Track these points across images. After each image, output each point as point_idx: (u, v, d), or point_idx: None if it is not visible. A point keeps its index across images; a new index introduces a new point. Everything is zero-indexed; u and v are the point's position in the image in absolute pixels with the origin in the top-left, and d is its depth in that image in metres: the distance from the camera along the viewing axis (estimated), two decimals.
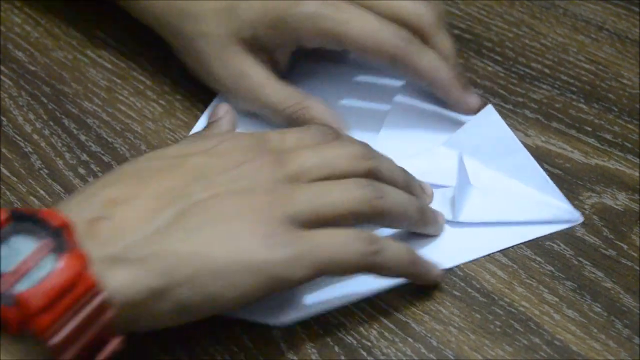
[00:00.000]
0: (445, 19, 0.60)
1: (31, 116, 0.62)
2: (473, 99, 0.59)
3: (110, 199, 0.44)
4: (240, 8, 0.57)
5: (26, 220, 0.41)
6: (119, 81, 0.65)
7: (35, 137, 0.60)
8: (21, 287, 0.39)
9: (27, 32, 0.69)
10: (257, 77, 0.58)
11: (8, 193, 0.57)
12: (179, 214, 0.43)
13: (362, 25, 0.56)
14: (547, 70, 0.65)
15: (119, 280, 0.41)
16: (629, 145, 0.60)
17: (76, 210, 0.43)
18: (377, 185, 0.48)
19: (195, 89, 0.64)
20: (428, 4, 0.59)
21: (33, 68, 0.66)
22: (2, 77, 0.65)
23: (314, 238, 0.45)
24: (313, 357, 0.48)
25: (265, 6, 0.57)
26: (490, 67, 0.66)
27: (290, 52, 0.60)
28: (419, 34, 0.58)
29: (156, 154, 0.48)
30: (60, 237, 0.41)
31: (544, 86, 0.64)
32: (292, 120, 0.57)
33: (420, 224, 0.51)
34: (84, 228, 0.42)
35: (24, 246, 0.41)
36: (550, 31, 0.69)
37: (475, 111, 0.59)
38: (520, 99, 0.63)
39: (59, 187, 0.57)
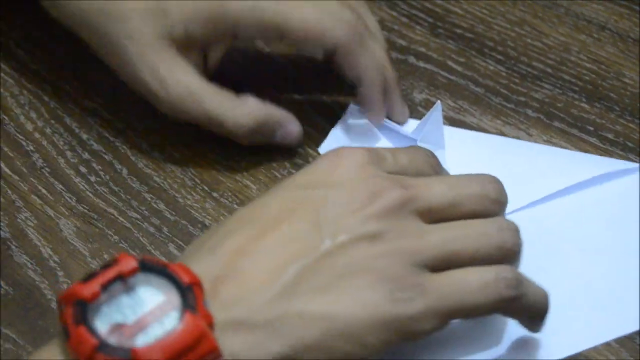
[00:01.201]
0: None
1: (33, 115, 0.62)
2: (403, 114, 0.59)
3: (233, 251, 0.42)
4: (170, 7, 0.54)
5: (155, 272, 0.40)
6: (121, 79, 0.65)
7: (37, 135, 0.60)
8: (140, 341, 0.38)
9: (29, 30, 0.69)
10: (195, 86, 0.55)
11: (10, 191, 0.57)
12: (304, 270, 0.41)
13: (302, 14, 0.54)
14: (549, 70, 0.65)
15: (242, 346, 0.40)
16: (631, 145, 0.59)
17: (201, 266, 0.41)
18: (520, 278, 0.43)
19: None
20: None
21: (34, 66, 0.66)
22: (4, 75, 0.65)
23: (445, 283, 0.42)
24: None
25: (198, 3, 0.54)
26: (492, 66, 0.65)
27: (224, 50, 0.57)
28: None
29: (282, 185, 0.46)
30: (188, 294, 0.39)
31: (546, 85, 0.64)
32: (240, 132, 0.56)
33: (534, 325, 0.46)
34: (208, 287, 0.40)
35: (149, 298, 0.39)
36: (552, 30, 0.69)
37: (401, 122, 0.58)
38: (522, 98, 0.63)
39: (60, 185, 0.57)
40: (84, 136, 0.60)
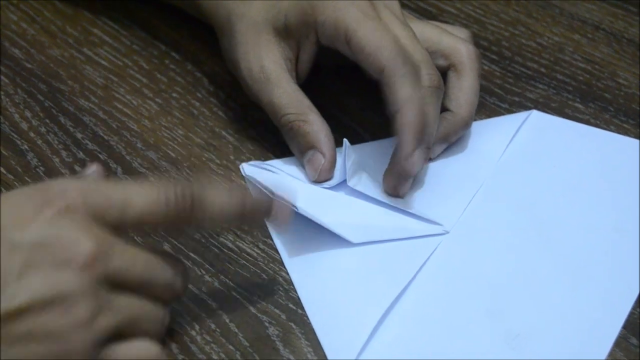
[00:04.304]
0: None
1: (27, 114, 0.62)
2: (416, 166, 0.53)
3: None
4: None
5: None
6: (115, 79, 0.65)
7: (32, 134, 0.60)
8: None
9: (24, 30, 0.69)
10: (273, 74, 0.57)
11: (4, 191, 0.57)
12: None
13: (373, 31, 0.54)
14: (543, 70, 0.65)
15: None
16: None
17: None
18: None
19: (192, 87, 0.64)
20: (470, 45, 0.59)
21: (29, 65, 0.66)
22: None
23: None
24: (309, 356, 0.48)
25: None
26: (487, 66, 0.66)
27: (312, 52, 0.58)
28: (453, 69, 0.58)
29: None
30: None
31: (540, 85, 0.64)
32: (285, 130, 0.57)
33: None
34: None
35: None
36: (546, 30, 0.69)
37: (411, 175, 0.54)
38: (517, 99, 0.63)
39: None
40: (79, 135, 0.60)
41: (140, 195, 0.44)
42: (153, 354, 0.44)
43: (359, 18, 0.54)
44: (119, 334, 0.43)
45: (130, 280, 0.44)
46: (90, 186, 0.44)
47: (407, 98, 0.52)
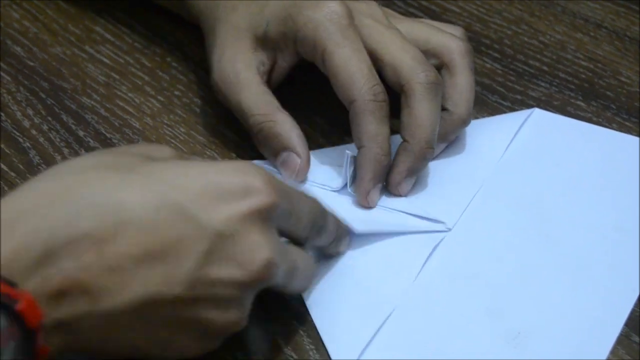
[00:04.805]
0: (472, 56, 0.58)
1: (30, 111, 0.62)
2: (373, 202, 0.55)
3: (95, 263, 0.39)
4: (267, 6, 0.57)
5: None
6: (117, 77, 0.65)
7: (34, 132, 0.60)
8: None
9: (26, 28, 0.69)
10: (242, 74, 0.57)
11: (7, 188, 0.57)
12: (151, 299, 0.40)
13: (348, 58, 0.54)
14: (545, 68, 0.65)
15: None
16: None
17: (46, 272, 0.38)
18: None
19: (194, 85, 0.64)
20: (461, 41, 0.58)
21: (31, 63, 0.66)
22: (1, 73, 0.65)
23: None
24: (311, 355, 0.48)
25: (286, 4, 0.56)
26: (489, 64, 0.66)
27: (290, 62, 0.58)
28: (446, 67, 0.57)
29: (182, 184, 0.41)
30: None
31: (542, 84, 0.64)
32: (255, 132, 0.56)
33: None
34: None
35: None
36: (548, 29, 0.69)
37: (367, 204, 0.55)
38: (519, 97, 0.63)
39: None
40: (81, 133, 0.60)
41: (307, 207, 0.46)
42: None
43: (337, 40, 0.54)
44: None
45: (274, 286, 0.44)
46: (283, 192, 0.44)
47: (371, 137, 0.53)
